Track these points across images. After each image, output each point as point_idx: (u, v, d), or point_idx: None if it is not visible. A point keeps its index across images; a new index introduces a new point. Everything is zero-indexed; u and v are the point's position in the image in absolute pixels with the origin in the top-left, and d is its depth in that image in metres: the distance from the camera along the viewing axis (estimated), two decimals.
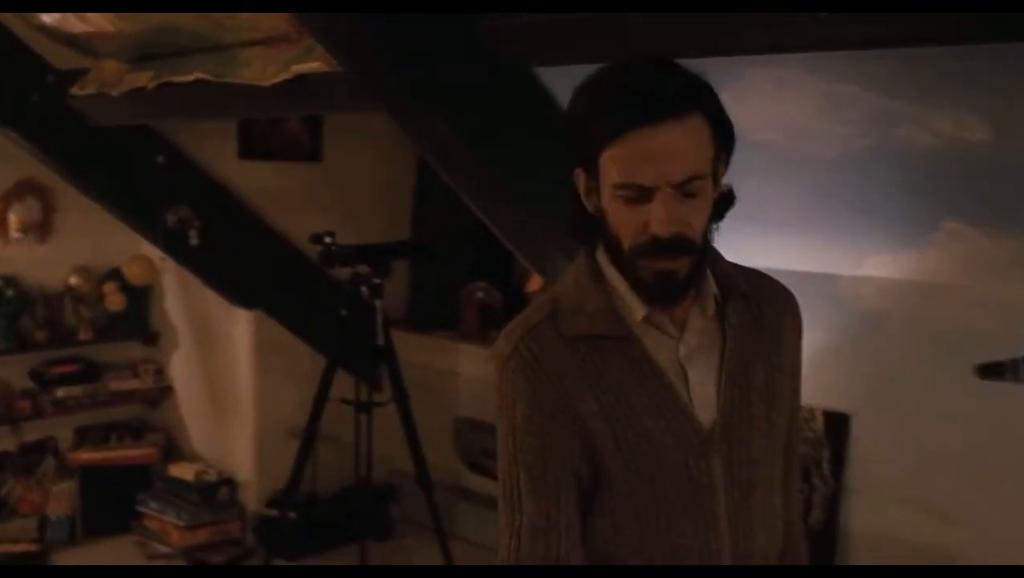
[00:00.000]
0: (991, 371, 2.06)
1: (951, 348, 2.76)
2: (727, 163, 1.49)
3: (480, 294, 4.86)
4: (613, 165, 1.39)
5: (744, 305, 1.51)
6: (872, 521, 2.98)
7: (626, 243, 1.43)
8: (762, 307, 1.54)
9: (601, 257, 1.51)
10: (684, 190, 1.39)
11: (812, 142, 2.52)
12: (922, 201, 2.53)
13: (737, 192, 2.88)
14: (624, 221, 1.41)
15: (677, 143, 1.37)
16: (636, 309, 1.46)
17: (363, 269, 3.78)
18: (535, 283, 4.51)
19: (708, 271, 1.50)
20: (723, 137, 1.46)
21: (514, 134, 2.78)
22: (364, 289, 3.79)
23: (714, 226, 1.49)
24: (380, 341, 3.81)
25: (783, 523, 1.57)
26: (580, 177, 1.47)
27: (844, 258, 2.89)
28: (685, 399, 1.46)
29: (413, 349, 4.56)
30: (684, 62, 1.46)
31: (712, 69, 2.43)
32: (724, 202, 1.50)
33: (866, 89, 2.30)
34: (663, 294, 1.45)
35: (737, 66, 2.43)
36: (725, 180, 1.51)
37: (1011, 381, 2.02)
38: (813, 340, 3.04)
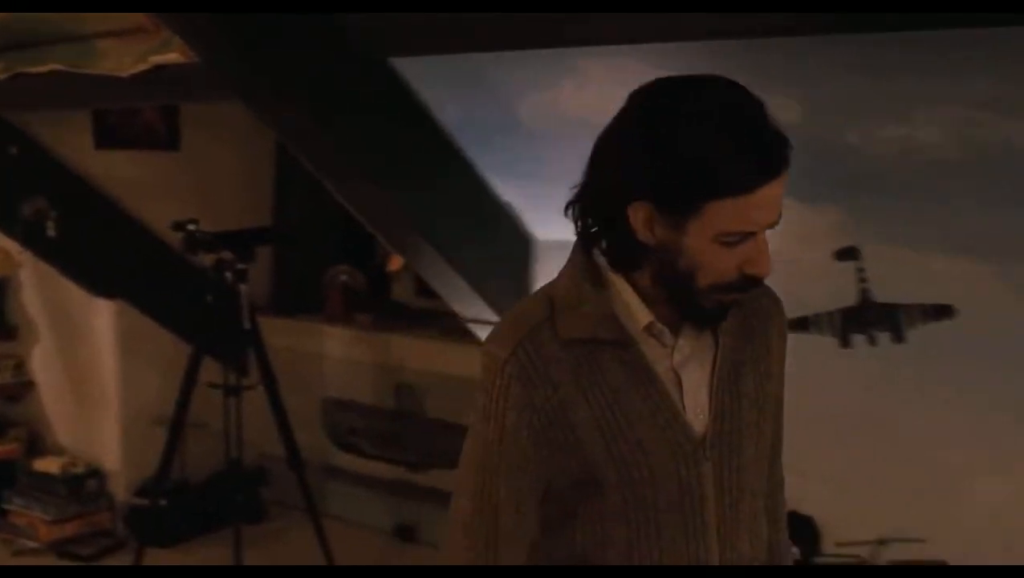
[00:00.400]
0: (798, 325, 2.29)
1: None
2: None
3: (344, 277, 4.96)
4: (728, 215, 1.32)
5: (737, 311, 1.48)
6: None
7: (709, 280, 1.37)
8: (751, 312, 1.53)
9: (601, 261, 1.45)
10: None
11: None
12: None
13: (577, 175, 3.07)
14: (719, 262, 1.36)
15: (782, 189, 1.35)
16: (641, 316, 1.43)
17: (226, 255, 3.84)
18: (396, 263, 4.64)
19: None
20: None
21: (371, 121, 2.90)
22: (228, 275, 3.85)
23: None
24: (246, 325, 3.88)
25: (770, 533, 1.60)
26: (642, 211, 1.36)
27: None
28: (679, 406, 1.44)
29: (280, 333, 4.62)
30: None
31: (554, 58, 2.62)
32: None
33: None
34: (718, 321, 1.45)
35: (577, 55, 2.62)
36: None
37: (815, 333, 2.26)
38: None
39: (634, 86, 2.70)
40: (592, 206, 1.43)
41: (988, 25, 2.02)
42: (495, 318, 3.39)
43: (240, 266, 3.84)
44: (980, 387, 2.72)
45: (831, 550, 2.67)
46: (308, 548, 4.08)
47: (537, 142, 2.96)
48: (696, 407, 1.45)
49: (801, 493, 2.87)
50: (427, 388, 4.48)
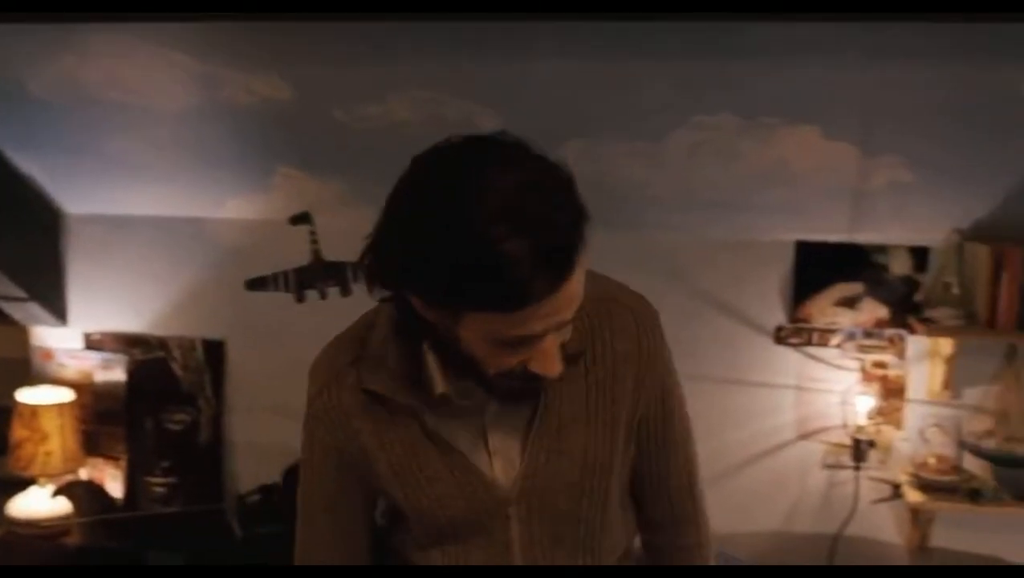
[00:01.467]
0: (257, 284, 2.49)
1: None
2: None
3: None
4: (499, 325, 1.17)
5: (568, 364, 1.31)
6: (252, 432, 3.40)
7: (494, 370, 1.26)
8: (596, 358, 1.39)
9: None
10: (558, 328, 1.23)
11: (155, 99, 2.81)
12: (256, 150, 2.93)
13: (101, 149, 3.10)
14: (497, 358, 1.24)
15: (574, 288, 1.18)
16: (438, 385, 1.33)
17: None
18: None
19: None
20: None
21: None
22: None
23: None
24: None
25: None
26: (417, 303, 1.22)
27: (206, 202, 3.23)
28: (481, 465, 1.38)
29: None
30: None
31: (57, 33, 2.63)
32: None
33: (189, 55, 2.63)
34: (526, 395, 1.35)
35: (82, 30, 2.65)
36: None
37: (272, 291, 2.46)
38: (188, 278, 3.39)
39: (132, 62, 2.79)
40: (377, 272, 1.25)
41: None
42: (23, 294, 3.34)
43: None
44: None
45: None
46: None
47: (50, 114, 2.95)
48: (507, 458, 1.38)
49: None
50: None
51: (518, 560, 1.41)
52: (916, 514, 3.01)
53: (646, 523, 1.56)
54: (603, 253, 3.05)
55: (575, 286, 1.18)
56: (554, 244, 1.12)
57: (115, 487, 3.50)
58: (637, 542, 1.60)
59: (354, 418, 1.38)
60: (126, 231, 3.39)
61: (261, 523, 2.79)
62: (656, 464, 1.49)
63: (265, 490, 2.88)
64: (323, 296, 2.45)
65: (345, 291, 2.44)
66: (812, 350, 3.07)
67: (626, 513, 1.53)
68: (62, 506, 3.26)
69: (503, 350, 1.21)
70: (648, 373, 1.42)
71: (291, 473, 2.92)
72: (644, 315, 1.42)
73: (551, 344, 1.22)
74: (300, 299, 2.45)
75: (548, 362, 1.23)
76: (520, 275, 1.11)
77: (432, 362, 1.33)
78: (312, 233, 2.44)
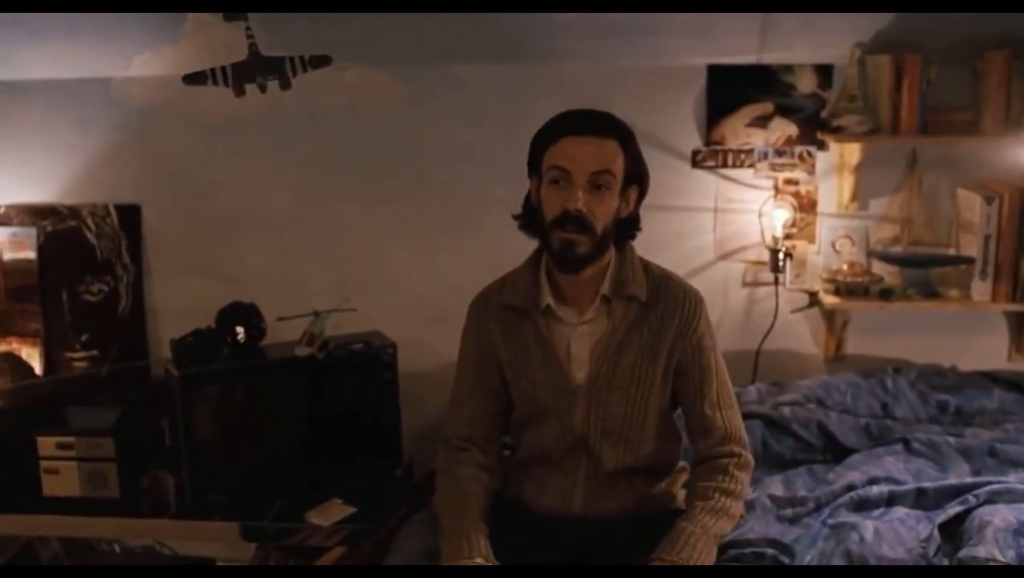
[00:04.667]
0: (194, 79, 2.44)
1: (216, 131, 3.19)
2: (637, 202, 2.08)
3: None
4: (550, 155, 1.99)
5: (632, 305, 2.07)
6: (173, 295, 3.35)
7: (548, 219, 1.99)
8: (650, 309, 2.08)
9: (543, 257, 2.10)
10: (594, 182, 1.96)
11: None
12: None
13: None
14: (550, 201, 1.99)
15: (593, 149, 1.97)
16: (545, 298, 2.09)
17: None
18: None
19: (608, 275, 2.08)
20: (634, 171, 2.03)
21: None
22: None
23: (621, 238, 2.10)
24: None
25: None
26: (532, 182, 2.07)
27: (113, 61, 3.14)
28: (565, 362, 2.08)
29: None
30: None
31: None
32: (626, 223, 2.08)
33: None
34: (566, 261, 2.00)
35: None
36: None
37: (210, 85, 2.42)
38: (97, 143, 3.29)
39: None
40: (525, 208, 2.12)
41: None
42: None
43: None
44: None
45: (273, 324, 2.93)
46: None
47: None
48: (578, 365, 2.08)
49: (242, 290, 3.09)
50: None
51: (578, 437, 2.08)
52: (832, 320, 3.16)
53: (689, 434, 2.17)
54: (517, 84, 3.13)
55: (593, 148, 1.97)
56: (580, 117, 2.01)
57: (33, 367, 3.41)
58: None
59: (492, 321, 2.13)
60: (25, 96, 3.27)
61: (195, 363, 2.78)
62: (693, 388, 2.11)
63: (198, 333, 2.85)
64: (263, 90, 2.41)
65: (284, 84, 2.40)
66: (727, 172, 3.17)
67: (666, 436, 2.15)
68: None
69: (554, 190, 1.97)
70: (689, 334, 2.08)
71: (224, 314, 2.90)
72: (689, 296, 2.10)
73: (577, 185, 1.95)
74: (239, 93, 2.40)
75: (573, 198, 1.95)
76: (565, 118, 2.01)
77: (544, 283, 2.09)
78: (248, 28, 2.39)
